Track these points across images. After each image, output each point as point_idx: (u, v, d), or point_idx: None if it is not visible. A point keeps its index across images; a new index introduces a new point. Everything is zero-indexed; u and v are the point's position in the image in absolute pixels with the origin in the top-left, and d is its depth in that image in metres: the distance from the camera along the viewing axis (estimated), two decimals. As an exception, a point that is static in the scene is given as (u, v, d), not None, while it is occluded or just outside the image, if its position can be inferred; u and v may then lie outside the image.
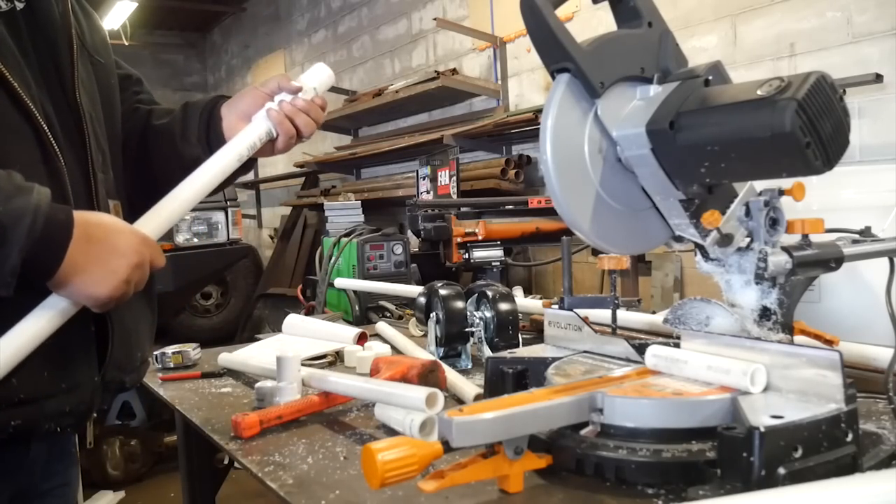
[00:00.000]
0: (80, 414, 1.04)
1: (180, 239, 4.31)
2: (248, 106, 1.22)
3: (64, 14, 1.09)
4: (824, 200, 1.25)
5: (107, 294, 0.94)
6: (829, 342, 0.98)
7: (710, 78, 0.95)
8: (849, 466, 0.77)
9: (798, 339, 0.95)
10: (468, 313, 1.47)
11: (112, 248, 0.94)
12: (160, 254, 1.02)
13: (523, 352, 1.21)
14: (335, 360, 1.63)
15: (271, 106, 1.20)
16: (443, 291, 1.50)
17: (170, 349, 1.66)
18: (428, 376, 1.24)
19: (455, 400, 1.25)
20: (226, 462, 1.69)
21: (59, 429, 1.01)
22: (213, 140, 1.22)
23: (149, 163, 1.27)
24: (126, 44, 7.79)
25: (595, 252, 1.20)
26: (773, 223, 0.93)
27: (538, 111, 3.72)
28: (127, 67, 1.34)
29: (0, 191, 0.86)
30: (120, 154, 1.22)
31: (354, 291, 2.79)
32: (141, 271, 0.98)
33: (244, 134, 1.19)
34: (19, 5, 1.03)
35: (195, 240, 4.39)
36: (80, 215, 0.92)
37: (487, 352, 1.41)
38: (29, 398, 0.96)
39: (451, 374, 1.32)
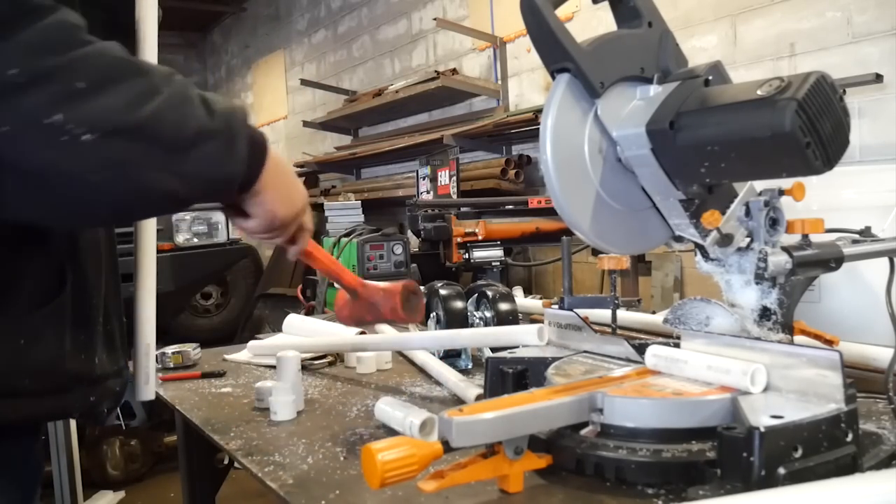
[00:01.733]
0: (119, 398, 1.09)
1: (180, 239, 4.31)
2: None
3: None
4: (824, 200, 1.25)
5: (283, 216, 0.99)
6: (829, 342, 0.97)
7: (710, 78, 0.95)
8: (849, 466, 0.77)
9: (798, 339, 0.95)
10: (468, 313, 1.47)
11: (294, 182, 1.01)
12: (311, 217, 1.08)
13: (523, 352, 1.21)
14: (335, 360, 1.63)
15: None
16: (443, 291, 1.50)
17: (170, 349, 1.66)
18: (410, 298, 1.22)
19: (455, 400, 1.25)
20: (226, 462, 1.69)
21: (107, 410, 1.06)
22: None
23: None
24: (126, 44, 7.78)
25: (595, 252, 1.20)
26: (773, 223, 0.93)
27: (538, 111, 3.72)
28: None
29: (215, 100, 0.89)
30: None
31: (354, 291, 2.79)
32: (304, 216, 1.04)
33: None
34: None
35: (195, 240, 4.38)
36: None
37: (487, 352, 1.40)
38: (102, 376, 1.02)
39: (451, 374, 1.32)
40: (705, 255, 0.97)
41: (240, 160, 0.89)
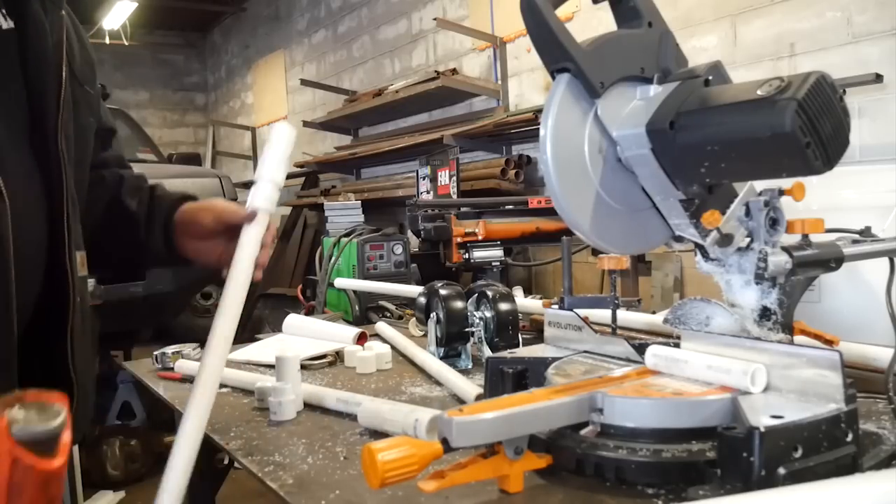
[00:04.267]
0: None
1: (180, 239, 4.30)
2: (203, 233, 1.21)
3: (58, 44, 0.98)
4: (824, 200, 1.25)
5: None
6: (829, 342, 0.97)
7: (710, 78, 0.94)
8: (849, 466, 0.77)
9: (798, 339, 0.95)
10: (468, 313, 1.47)
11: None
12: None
13: (523, 352, 1.21)
14: (335, 360, 1.63)
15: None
16: (443, 291, 1.50)
17: (170, 349, 1.65)
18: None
19: (455, 400, 1.25)
20: (226, 462, 1.69)
21: None
22: (170, 245, 1.25)
23: (109, 236, 1.25)
24: (126, 44, 7.79)
25: (595, 252, 1.20)
26: (773, 223, 0.92)
27: (538, 111, 3.72)
28: (106, 118, 1.28)
29: None
30: (83, 200, 1.16)
31: (354, 291, 2.79)
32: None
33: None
34: (5, 24, 0.93)
35: (195, 240, 4.38)
36: None
37: (487, 352, 1.41)
38: None
39: (451, 375, 1.32)
40: (705, 255, 0.97)
41: None
